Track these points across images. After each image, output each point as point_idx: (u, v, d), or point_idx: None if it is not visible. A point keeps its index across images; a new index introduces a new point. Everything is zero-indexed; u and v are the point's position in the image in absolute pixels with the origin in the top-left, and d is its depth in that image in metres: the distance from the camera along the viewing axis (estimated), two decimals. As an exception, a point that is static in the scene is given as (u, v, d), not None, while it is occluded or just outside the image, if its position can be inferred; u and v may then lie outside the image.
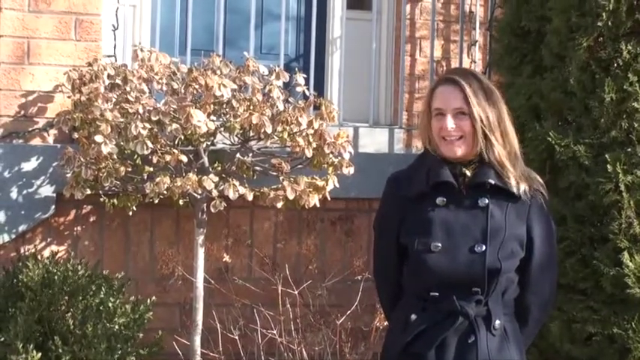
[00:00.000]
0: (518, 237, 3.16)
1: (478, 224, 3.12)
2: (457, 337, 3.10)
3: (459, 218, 3.14)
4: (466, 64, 6.06)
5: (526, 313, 3.24)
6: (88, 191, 4.97)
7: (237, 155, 5.06)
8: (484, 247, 3.09)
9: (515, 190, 3.14)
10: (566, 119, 4.60)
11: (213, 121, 4.89)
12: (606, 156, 4.42)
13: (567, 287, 4.45)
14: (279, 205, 5.00)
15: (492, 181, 3.14)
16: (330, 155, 4.99)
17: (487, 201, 3.13)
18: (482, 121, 3.13)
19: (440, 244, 3.11)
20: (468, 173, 3.16)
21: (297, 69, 5.35)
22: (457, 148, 3.15)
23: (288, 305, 5.16)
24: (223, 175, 4.99)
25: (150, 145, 4.77)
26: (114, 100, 4.86)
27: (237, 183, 4.91)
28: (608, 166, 4.40)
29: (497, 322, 3.12)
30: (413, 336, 3.11)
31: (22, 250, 5.20)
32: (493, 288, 3.10)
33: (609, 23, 4.45)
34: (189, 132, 4.79)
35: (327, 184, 5.04)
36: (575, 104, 4.56)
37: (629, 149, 4.44)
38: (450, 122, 3.14)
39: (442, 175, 3.15)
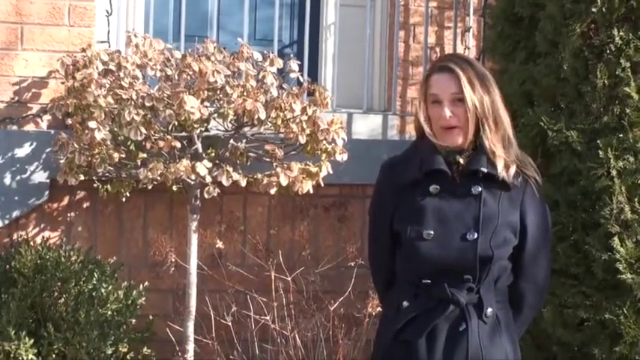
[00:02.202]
0: (511, 224, 3.15)
1: (471, 212, 3.11)
2: (448, 324, 3.09)
3: (452, 206, 3.13)
4: (460, 50, 6.05)
5: (520, 300, 3.24)
6: (82, 177, 4.98)
7: (231, 141, 5.06)
8: (476, 235, 3.08)
9: (501, 175, 3.12)
10: (558, 105, 4.60)
11: (206, 107, 4.89)
12: (598, 141, 4.42)
13: (559, 272, 4.45)
14: (273, 191, 5.00)
15: (485, 169, 3.13)
16: (324, 141, 5.00)
17: (480, 189, 3.13)
18: (476, 108, 3.12)
19: (432, 232, 3.10)
20: (462, 161, 3.15)
21: (291, 55, 5.35)
22: (457, 137, 3.14)
23: (282, 291, 5.16)
24: (217, 162, 5.00)
25: (143, 131, 4.77)
26: (107, 86, 4.86)
27: (230, 169, 4.92)
28: (600, 152, 4.40)
29: (489, 309, 3.11)
30: (403, 323, 3.11)
31: (15, 236, 5.21)
32: (485, 276, 3.10)
33: (603, 9, 4.44)
34: (183, 118, 4.79)
35: (320, 171, 5.05)
36: (568, 90, 4.55)
37: (621, 135, 4.43)
38: (447, 111, 3.13)
39: (436, 162, 3.14)
